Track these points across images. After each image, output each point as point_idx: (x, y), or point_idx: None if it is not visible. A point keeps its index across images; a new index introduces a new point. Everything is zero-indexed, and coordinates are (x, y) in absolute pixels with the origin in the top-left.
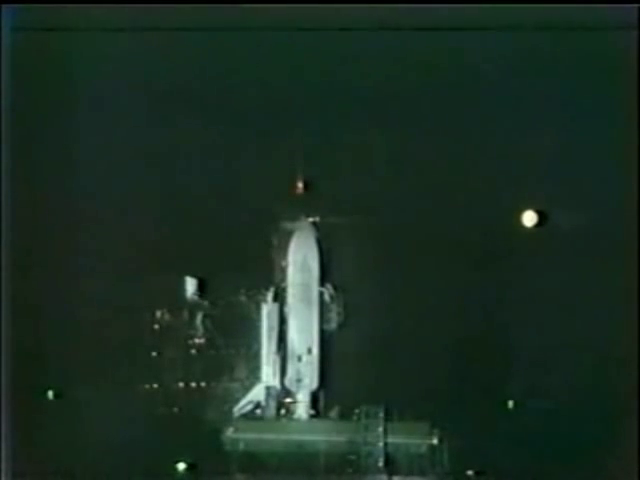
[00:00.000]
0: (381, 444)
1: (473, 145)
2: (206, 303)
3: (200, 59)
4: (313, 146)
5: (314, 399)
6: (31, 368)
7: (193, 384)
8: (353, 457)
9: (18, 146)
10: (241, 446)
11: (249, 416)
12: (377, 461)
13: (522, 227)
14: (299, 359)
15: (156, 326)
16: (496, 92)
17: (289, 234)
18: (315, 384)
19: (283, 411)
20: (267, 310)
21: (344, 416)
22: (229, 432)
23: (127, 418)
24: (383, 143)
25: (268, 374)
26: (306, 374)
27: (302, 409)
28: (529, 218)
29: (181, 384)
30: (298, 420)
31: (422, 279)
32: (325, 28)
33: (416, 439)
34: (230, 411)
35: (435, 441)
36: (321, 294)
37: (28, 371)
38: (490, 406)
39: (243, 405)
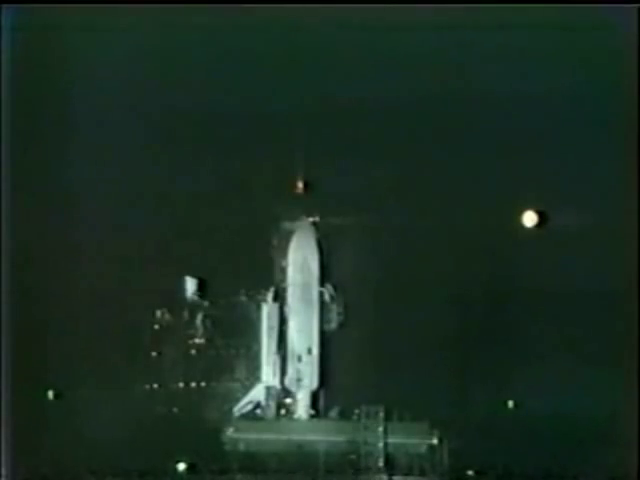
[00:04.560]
0: (381, 444)
1: (473, 145)
2: (206, 303)
3: (200, 59)
4: (313, 146)
5: (314, 399)
6: (31, 368)
7: (193, 384)
8: (353, 457)
9: (18, 145)
10: (241, 446)
11: (249, 416)
12: (377, 461)
13: (522, 227)
14: (299, 359)
15: (156, 326)
16: (496, 92)
17: (289, 234)
18: (315, 384)
19: (283, 411)
20: (267, 310)
21: (344, 416)
22: (229, 432)
23: (127, 418)
24: (383, 143)
25: (268, 374)
26: (306, 374)
27: (302, 409)
28: (529, 218)
29: (181, 384)
30: (298, 420)
31: (422, 279)
32: (326, 28)
33: (416, 439)
34: (230, 411)
35: (435, 441)
36: (321, 294)
37: (28, 371)
38: (490, 406)
39: (243, 405)
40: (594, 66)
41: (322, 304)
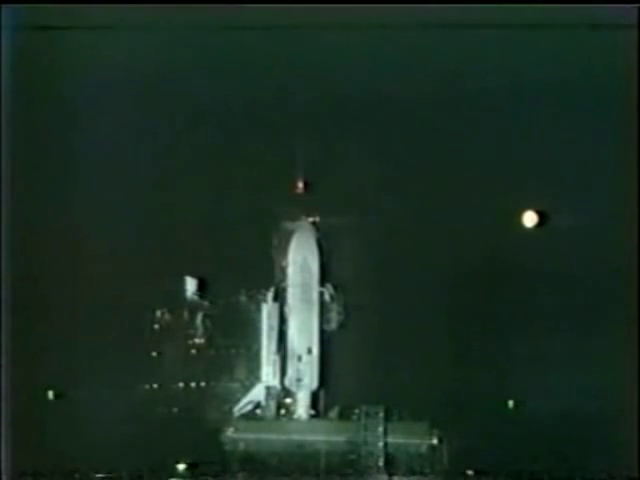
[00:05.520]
0: (381, 444)
1: (473, 145)
2: (206, 303)
3: (201, 58)
4: (313, 146)
5: (314, 399)
6: (31, 368)
7: (193, 384)
8: (353, 457)
9: (19, 144)
10: (241, 446)
11: (249, 416)
12: (377, 461)
13: (522, 227)
14: (299, 359)
15: (156, 326)
16: (496, 92)
17: (289, 234)
18: (315, 384)
19: (283, 411)
20: (267, 310)
21: (344, 416)
22: (229, 432)
23: (127, 418)
24: (383, 143)
25: (268, 374)
26: (306, 374)
27: (302, 409)
28: (529, 218)
29: (181, 384)
30: (298, 420)
31: (422, 279)
32: (325, 28)
33: (416, 439)
34: (230, 411)
35: (435, 441)
36: (321, 294)
37: (28, 371)
38: (490, 406)
39: (243, 405)
40: (594, 66)
41: (322, 304)
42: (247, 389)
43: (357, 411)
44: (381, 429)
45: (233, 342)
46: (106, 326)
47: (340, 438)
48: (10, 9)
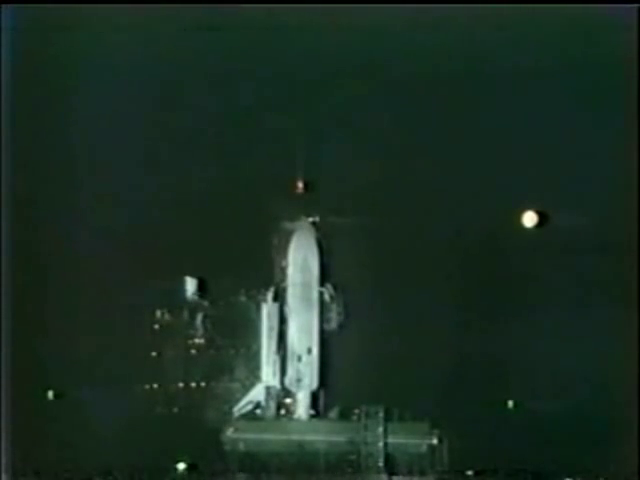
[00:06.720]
0: (381, 444)
1: (474, 145)
2: (206, 303)
3: (200, 58)
4: (313, 146)
5: (314, 399)
6: (31, 368)
7: (193, 384)
8: (353, 457)
9: (18, 145)
10: (241, 446)
11: (249, 416)
12: (377, 461)
13: (522, 227)
14: (299, 359)
15: (156, 326)
16: (496, 91)
17: (289, 234)
18: (315, 384)
19: (283, 411)
20: (267, 310)
21: (344, 416)
22: (229, 432)
23: (127, 418)
24: (383, 143)
25: (268, 374)
26: (306, 374)
27: (302, 409)
28: (529, 218)
29: (181, 384)
30: (298, 420)
31: (422, 279)
32: (325, 27)
33: (416, 439)
34: (230, 411)
35: (435, 441)
36: (321, 294)
37: (28, 371)
38: (490, 406)
39: (243, 405)
40: (595, 65)
41: (322, 304)
42: (247, 389)
43: (357, 411)
44: (381, 429)
45: (233, 342)
46: (106, 326)
47: (340, 438)
48: (10, 9)
